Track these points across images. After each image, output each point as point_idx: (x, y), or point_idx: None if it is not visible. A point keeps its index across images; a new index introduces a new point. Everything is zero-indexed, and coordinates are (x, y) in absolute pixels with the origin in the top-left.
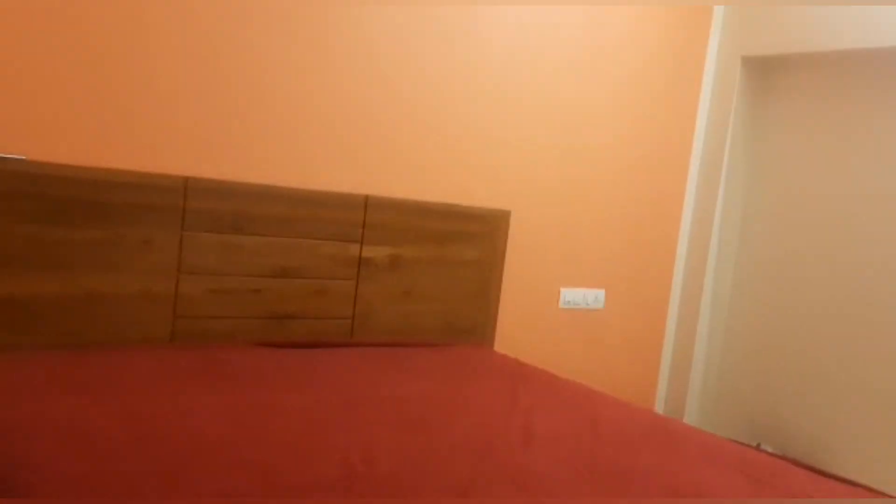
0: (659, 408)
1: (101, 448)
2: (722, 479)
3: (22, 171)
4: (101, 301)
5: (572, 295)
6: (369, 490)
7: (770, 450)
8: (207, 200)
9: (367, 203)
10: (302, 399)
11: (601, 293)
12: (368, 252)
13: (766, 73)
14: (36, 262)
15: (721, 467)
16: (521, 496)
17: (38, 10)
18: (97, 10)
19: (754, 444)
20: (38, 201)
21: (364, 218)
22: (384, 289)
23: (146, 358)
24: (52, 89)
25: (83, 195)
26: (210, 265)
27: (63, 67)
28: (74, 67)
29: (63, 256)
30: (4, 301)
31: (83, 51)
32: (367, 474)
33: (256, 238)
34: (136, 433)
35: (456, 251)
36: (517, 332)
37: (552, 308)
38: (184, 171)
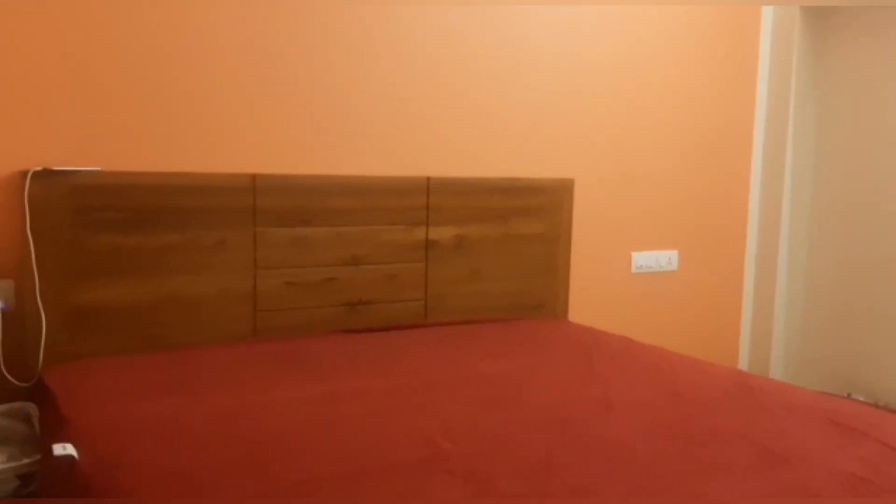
0: (742, 365)
1: (195, 443)
2: (813, 433)
3: (98, 182)
4: (183, 303)
5: (644, 259)
6: (455, 467)
7: (861, 399)
8: (275, 196)
9: (429, 185)
10: (382, 382)
11: (674, 254)
12: (434, 234)
13: (824, 19)
14: (117, 269)
15: (811, 421)
16: (607, 467)
17: (101, 24)
18: (157, 21)
19: (844, 394)
20: (115, 211)
21: (427, 200)
22: (453, 269)
23: (231, 354)
24: (120, 101)
25: (157, 201)
26: (283, 259)
27: (129, 79)
28: (141, 79)
29: (143, 262)
30: (91, 309)
31: (147, 63)
32: (452, 451)
33: (325, 229)
34: (227, 427)
35: (521, 226)
36: (590, 303)
37: (624, 274)
38: (251, 169)
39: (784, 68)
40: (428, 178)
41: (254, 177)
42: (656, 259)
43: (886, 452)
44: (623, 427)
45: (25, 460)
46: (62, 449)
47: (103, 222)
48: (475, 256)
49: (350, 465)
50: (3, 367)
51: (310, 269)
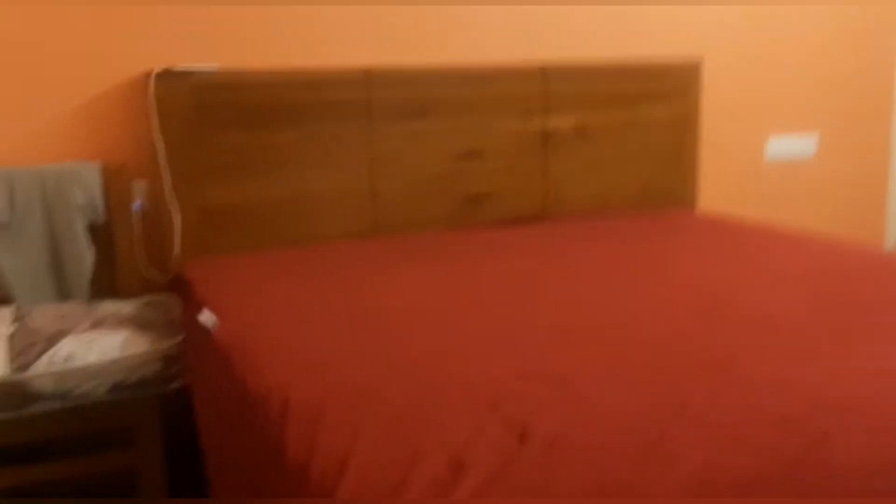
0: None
1: (323, 321)
2: None
3: (217, 81)
4: (304, 200)
5: (780, 144)
6: (586, 337)
7: None
8: (390, 89)
9: (545, 72)
10: (505, 265)
11: (812, 140)
12: (553, 123)
13: None
14: (240, 167)
15: None
16: (756, 335)
17: None
18: None
19: None
20: (235, 109)
21: (544, 88)
22: (573, 160)
23: (353, 248)
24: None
25: (274, 98)
26: (400, 153)
27: None
28: None
29: (263, 159)
30: (219, 207)
31: None
32: (582, 323)
33: (440, 122)
34: (354, 306)
35: (646, 112)
36: (721, 193)
37: (757, 162)
38: (365, 62)
39: None
40: (544, 65)
41: (368, 70)
42: (792, 145)
43: None
44: (772, 299)
45: (167, 343)
46: (204, 315)
47: (224, 121)
48: (597, 146)
49: (479, 338)
50: (144, 262)
51: (426, 163)
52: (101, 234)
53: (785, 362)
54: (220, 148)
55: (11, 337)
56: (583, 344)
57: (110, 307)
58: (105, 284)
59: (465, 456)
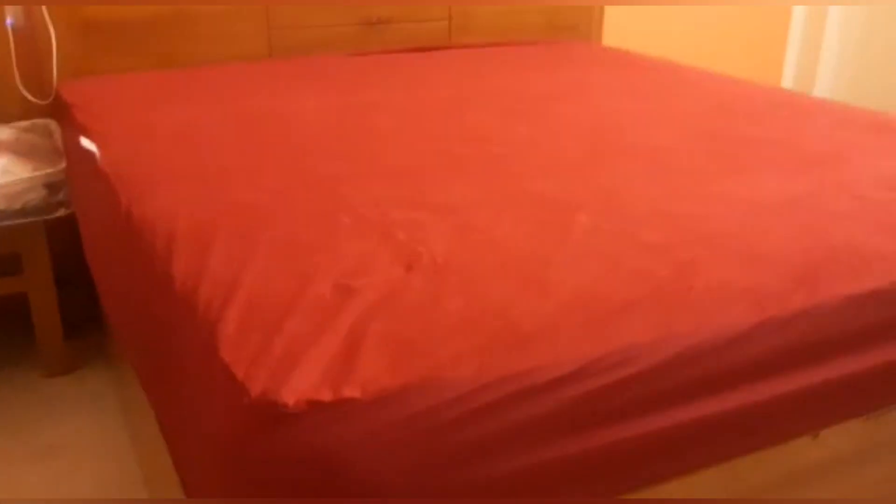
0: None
1: (215, 144)
2: (859, 138)
3: None
4: (193, 18)
5: None
6: (480, 167)
7: None
8: None
9: None
10: (404, 95)
11: None
12: None
13: None
14: None
15: (858, 129)
16: (641, 168)
17: None
18: None
19: None
20: None
21: None
22: None
23: (247, 70)
24: None
25: None
26: None
27: None
28: None
29: None
30: (100, 23)
31: None
32: (477, 154)
33: None
34: (247, 130)
35: None
36: (628, 25)
37: None
38: None
39: None
40: None
41: None
42: None
43: None
44: (661, 133)
45: (50, 169)
46: (88, 143)
47: None
48: None
49: (368, 165)
50: (19, 84)
51: None
52: None
53: (664, 194)
54: None
55: None
56: (474, 174)
57: None
58: None
59: (352, 282)
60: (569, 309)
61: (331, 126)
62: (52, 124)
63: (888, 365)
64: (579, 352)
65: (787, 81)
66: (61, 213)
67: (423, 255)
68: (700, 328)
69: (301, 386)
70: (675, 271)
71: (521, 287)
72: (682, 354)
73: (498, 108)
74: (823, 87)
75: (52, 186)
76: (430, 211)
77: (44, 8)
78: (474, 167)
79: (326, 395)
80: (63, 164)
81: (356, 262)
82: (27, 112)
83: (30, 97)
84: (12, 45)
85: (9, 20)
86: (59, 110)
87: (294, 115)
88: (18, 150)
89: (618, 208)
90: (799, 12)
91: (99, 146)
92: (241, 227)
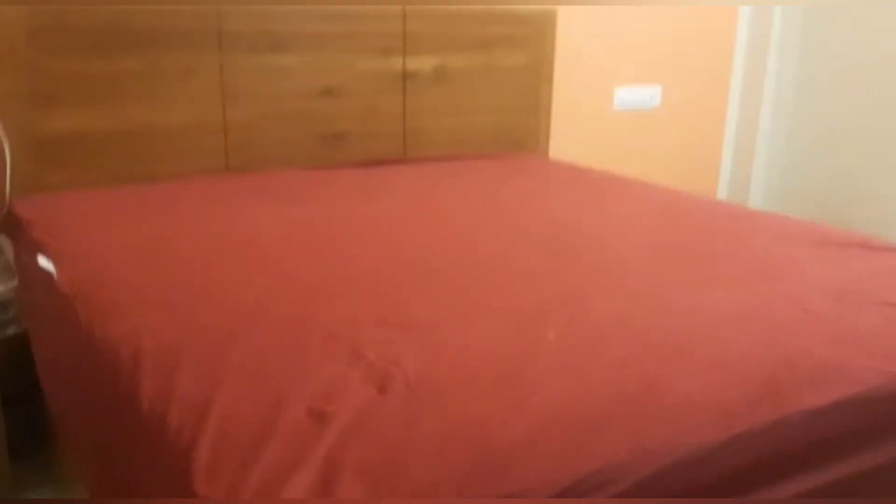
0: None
1: (178, 262)
2: (801, 252)
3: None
4: (151, 134)
5: (627, 94)
6: (441, 280)
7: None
8: (242, 20)
9: (405, 13)
10: (363, 208)
11: (657, 90)
12: (412, 64)
13: None
14: (80, 97)
15: (799, 243)
16: (598, 278)
17: None
18: None
19: None
20: (73, 34)
21: (404, 28)
22: (433, 102)
23: (205, 185)
24: None
25: (119, 24)
26: (254, 88)
27: None
28: None
29: (106, 90)
30: (57, 139)
31: None
32: (438, 266)
33: (297, 57)
34: (209, 247)
35: (503, 57)
36: (572, 139)
37: (606, 110)
38: None
39: None
40: (404, 6)
41: None
42: (639, 95)
43: (874, 265)
44: (617, 245)
45: (1, 287)
46: (45, 261)
47: (61, 47)
48: (455, 89)
49: (339, 282)
50: None
51: (282, 100)
52: None
53: (625, 306)
54: (55, 76)
55: None
56: (440, 288)
57: None
58: None
59: (325, 406)
60: (544, 428)
61: (293, 241)
62: (4, 240)
63: (853, 476)
64: (559, 474)
65: (723, 188)
66: (11, 331)
67: (395, 376)
68: (673, 446)
69: None
70: (644, 386)
71: (495, 406)
72: (657, 474)
73: (457, 221)
74: (756, 197)
75: (2, 304)
76: (400, 328)
77: None
78: (439, 280)
79: None
80: (14, 282)
81: (328, 385)
82: None
83: None
84: None
85: None
86: (11, 227)
87: (256, 230)
88: None
89: (583, 321)
90: (732, 123)
91: (56, 264)
92: (208, 349)
